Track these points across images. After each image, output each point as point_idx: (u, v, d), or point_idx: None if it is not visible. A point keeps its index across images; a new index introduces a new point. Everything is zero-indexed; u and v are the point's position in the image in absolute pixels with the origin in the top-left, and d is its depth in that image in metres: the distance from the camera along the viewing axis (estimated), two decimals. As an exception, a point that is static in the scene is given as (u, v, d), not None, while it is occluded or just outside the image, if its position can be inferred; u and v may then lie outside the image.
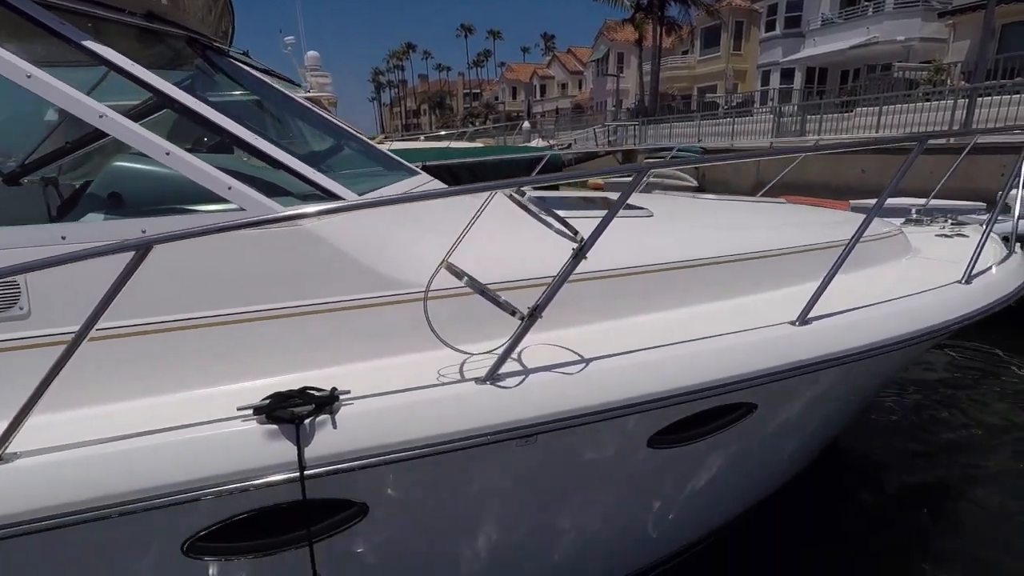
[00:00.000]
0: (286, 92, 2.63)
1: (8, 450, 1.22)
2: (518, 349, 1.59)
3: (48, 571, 1.35)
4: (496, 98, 64.95)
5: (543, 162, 7.46)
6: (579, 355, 1.66)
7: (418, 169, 2.79)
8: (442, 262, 1.57)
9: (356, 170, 2.53)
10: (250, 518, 1.41)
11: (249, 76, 2.55)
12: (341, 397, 1.41)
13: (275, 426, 1.34)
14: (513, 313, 1.53)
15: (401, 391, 1.47)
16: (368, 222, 1.80)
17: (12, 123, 3.65)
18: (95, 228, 1.58)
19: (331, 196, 1.76)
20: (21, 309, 1.44)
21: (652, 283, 2.03)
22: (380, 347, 1.68)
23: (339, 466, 1.37)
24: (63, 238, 1.48)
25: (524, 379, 1.55)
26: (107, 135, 1.55)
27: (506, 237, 2.08)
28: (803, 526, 3.00)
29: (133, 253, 1.22)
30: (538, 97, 56.05)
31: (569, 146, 18.98)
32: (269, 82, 2.60)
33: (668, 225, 2.60)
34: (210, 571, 1.43)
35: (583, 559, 2.11)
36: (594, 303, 1.92)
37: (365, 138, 2.66)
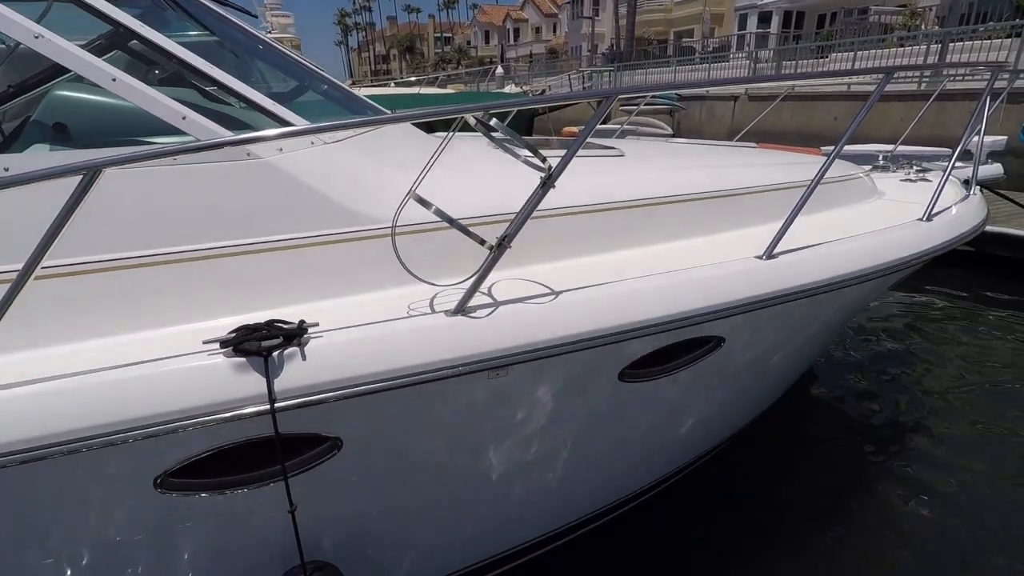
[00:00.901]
0: (248, 28, 2.47)
1: None
2: (488, 282, 1.58)
3: (20, 509, 1.34)
4: (468, 42, 62.51)
5: (511, 116, 7.25)
6: (549, 288, 1.66)
7: (389, 112, 2.69)
8: (409, 192, 1.54)
9: (327, 113, 2.42)
10: (222, 452, 1.41)
11: (205, 8, 2.38)
12: (310, 330, 1.39)
13: (243, 359, 1.32)
14: (482, 243, 1.51)
15: (370, 324, 1.46)
16: (333, 157, 1.75)
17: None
18: (40, 159, 1.49)
19: (287, 125, 1.69)
20: None
21: (621, 220, 2.03)
22: (347, 283, 1.65)
23: (309, 398, 1.37)
24: (5, 169, 1.40)
25: (494, 311, 1.55)
26: (54, 76, 1.45)
27: (472, 172, 2.04)
28: (763, 464, 3.16)
29: (81, 177, 1.16)
30: (511, 42, 54.12)
31: (543, 92, 18.50)
32: (225, 15, 2.43)
33: (638, 163, 2.58)
34: (184, 506, 1.44)
35: (553, 493, 2.18)
36: (563, 239, 1.92)
37: (335, 80, 2.54)
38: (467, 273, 1.60)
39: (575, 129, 9.76)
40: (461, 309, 1.52)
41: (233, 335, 1.34)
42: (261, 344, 1.32)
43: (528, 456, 1.95)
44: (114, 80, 1.46)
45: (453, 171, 1.69)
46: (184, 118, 1.52)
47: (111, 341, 1.43)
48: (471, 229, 1.54)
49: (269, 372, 1.32)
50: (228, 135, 1.55)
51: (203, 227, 1.53)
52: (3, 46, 3.20)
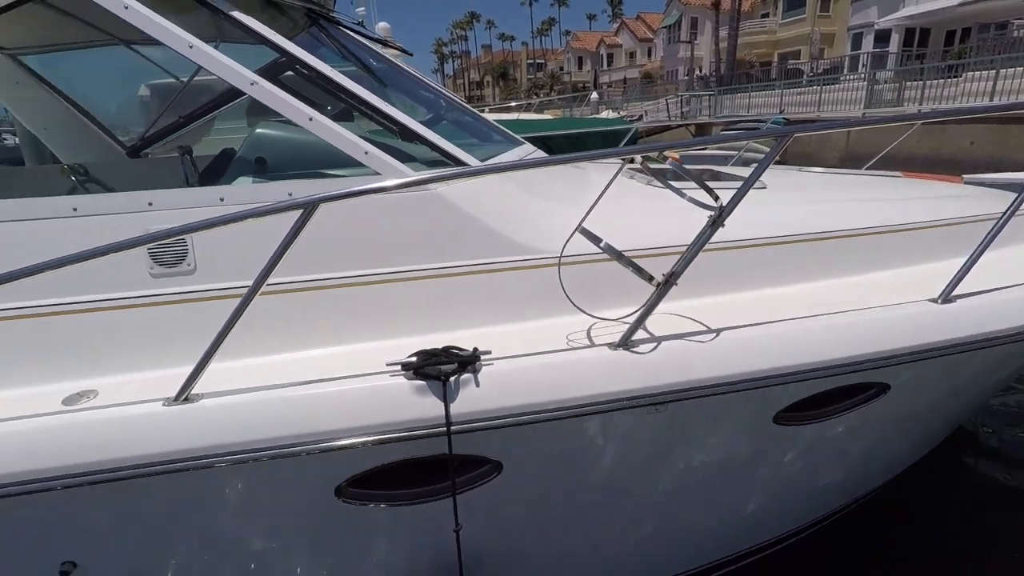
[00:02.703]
0: (396, 62, 2.68)
1: (193, 392, 1.34)
2: (650, 317, 1.58)
3: (220, 505, 1.48)
4: (561, 68, 63.60)
5: (629, 135, 7.24)
6: (710, 326, 1.63)
7: (522, 140, 2.79)
8: (577, 227, 1.57)
9: (469, 140, 2.56)
10: (397, 468, 1.49)
11: (363, 47, 2.61)
12: (482, 357, 1.45)
13: (423, 382, 1.40)
14: (650, 279, 1.51)
15: (537, 354, 1.50)
16: (494, 190, 1.83)
17: (125, 104, 3.96)
18: (247, 190, 1.68)
19: (457, 163, 1.79)
20: (189, 266, 1.56)
21: (782, 254, 1.95)
22: (510, 311, 1.71)
23: (481, 423, 1.42)
24: (221, 199, 1.59)
25: (656, 346, 1.54)
26: (212, 108, 1.63)
27: (627, 206, 2.05)
28: (902, 517, 2.87)
29: (300, 212, 1.29)
30: (605, 67, 54.43)
31: (639, 118, 18.37)
32: (381, 52, 2.65)
33: (785, 196, 2.48)
34: (359, 515, 1.53)
35: (697, 532, 2.11)
36: (723, 274, 1.88)
37: (473, 109, 2.69)
38: (625, 306, 1.60)
39: (676, 155, 9.55)
40: (624, 343, 1.52)
41: (414, 359, 1.42)
42: (441, 369, 1.39)
43: (675, 492, 1.89)
44: (311, 120, 1.62)
45: (605, 203, 1.71)
46: (366, 153, 1.66)
47: (303, 355, 1.57)
48: (631, 262, 1.54)
49: (447, 396, 1.38)
50: (403, 167, 1.67)
51: (379, 253, 1.65)
52: (175, 81, 3.68)
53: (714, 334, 1.59)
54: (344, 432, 1.38)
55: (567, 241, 1.59)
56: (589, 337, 1.64)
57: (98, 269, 1.33)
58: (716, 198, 1.47)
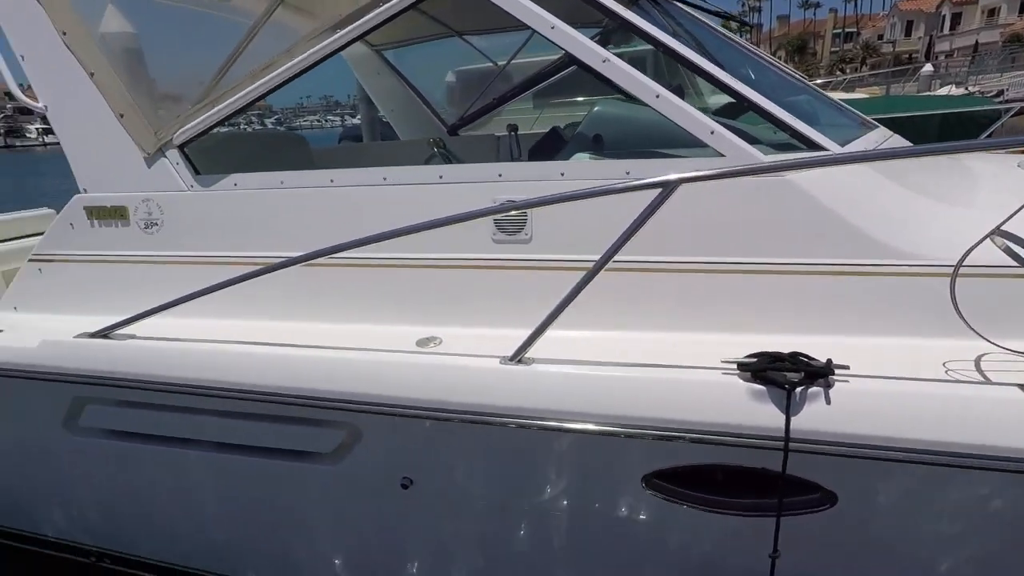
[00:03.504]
0: (728, 34, 2.48)
1: (527, 355, 1.44)
2: None
3: (530, 468, 1.54)
4: (880, 37, 53.13)
5: (1010, 114, 5.57)
6: None
7: (875, 122, 2.34)
8: (989, 234, 1.22)
9: (818, 121, 2.26)
10: (709, 470, 1.39)
11: (691, 17, 2.48)
12: (837, 371, 1.24)
13: (762, 387, 1.26)
14: None
15: (914, 380, 1.22)
16: (855, 179, 1.55)
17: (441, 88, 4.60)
18: (585, 166, 1.73)
19: (813, 146, 1.56)
20: (526, 235, 1.68)
21: None
22: (878, 323, 1.44)
23: (827, 447, 1.22)
24: (562, 174, 1.66)
25: None
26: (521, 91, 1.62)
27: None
28: None
29: (659, 191, 1.26)
30: (945, 31, 43.53)
31: (999, 94, 14.19)
32: (710, 24, 2.49)
33: None
34: (663, 510, 1.48)
35: None
36: None
37: (815, 87, 2.34)
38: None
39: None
40: None
41: (754, 360, 1.28)
42: (787, 376, 1.23)
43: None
44: (657, 97, 1.57)
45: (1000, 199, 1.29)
46: (712, 133, 1.54)
47: (632, 336, 1.56)
48: None
49: (789, 408, 1.22)
50: (751, 150, 1.51)
51: (720, 239, 1.53)
52: (490, 65, 4.10)
53: None
54: (665, 422, 1.33)
55: (972, 247, 1.24)
56: (980, 370, 1.28)
57: (451, 231, 1.48)
58: None
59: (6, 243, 3.09)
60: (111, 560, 2.21)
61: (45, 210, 3.51)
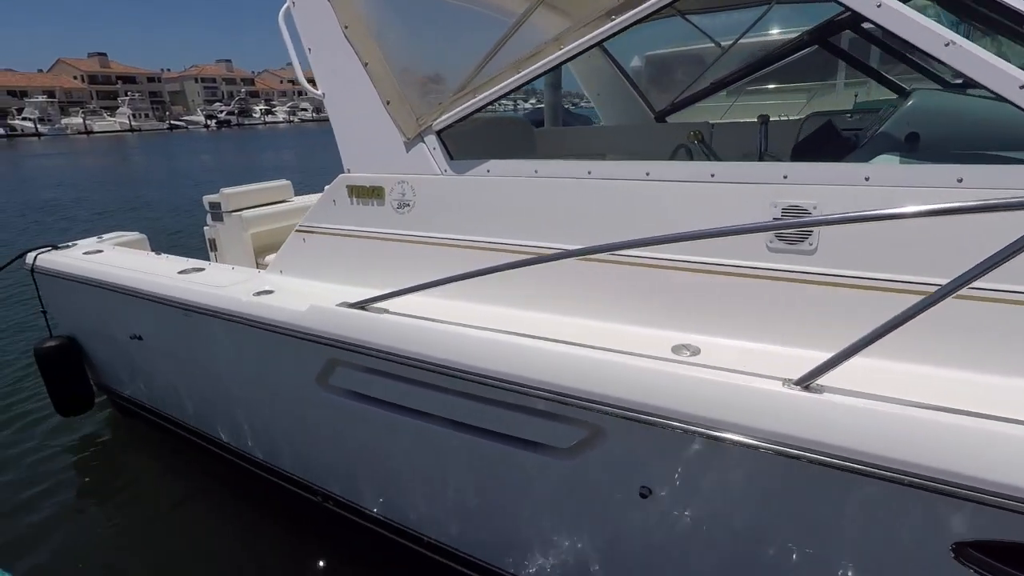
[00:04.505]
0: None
1: (818, 382, 1.25)
2: None
3: (821, 510, 1.34)
4: None
5: None
6: None
7: None
8: None
9: None
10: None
11: None
12: None
13: None
14: None
15: None
16: None
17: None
18: (896, 171, 1.44)
19: None
20: (810, 245, 1.46)
21: None
22: None
23: None
24: (866, 179, 1.41)
25: None
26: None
27: None
28: None
29: None
30: None
31: None
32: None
33: None
34: None
35: None
36: None
37: None
38: None
39: None
40: None
41: None
42: None
43: None
44: (1021, 88, 1.24)
45: None
46: None
47: (943, 374, 1.29)
48: None
49: None
50: None
51: None
52: (710, 46, 3.75)
53: None
54: (1009, 489, 1.06)
55: None
56: None
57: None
58: None
59: (254, 209, 3.59)
60: (335, 504, 2.45)
61: (283, 181, 4.02)
